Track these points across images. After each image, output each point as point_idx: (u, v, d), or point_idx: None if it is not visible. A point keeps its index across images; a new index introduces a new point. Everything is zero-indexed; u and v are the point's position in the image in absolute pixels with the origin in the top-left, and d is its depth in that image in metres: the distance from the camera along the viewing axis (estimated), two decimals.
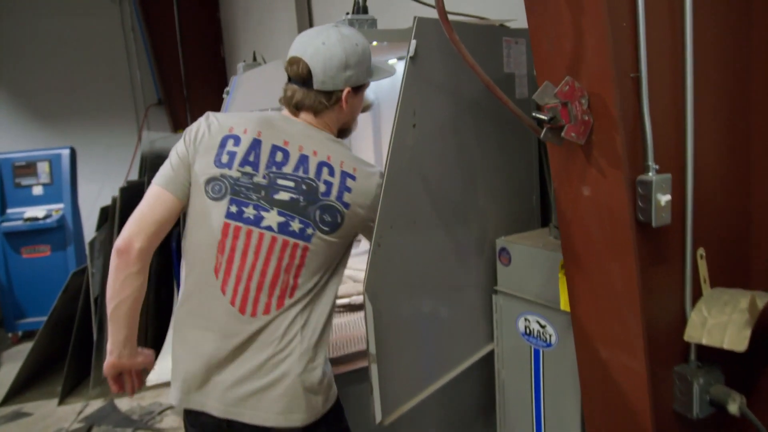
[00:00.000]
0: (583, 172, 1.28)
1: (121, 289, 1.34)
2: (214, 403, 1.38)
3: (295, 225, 1.38)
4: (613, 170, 1.22)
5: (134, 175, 5.78)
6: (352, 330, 2.04)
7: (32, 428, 3.49)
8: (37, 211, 4.75)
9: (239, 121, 1.43)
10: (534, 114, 1.23)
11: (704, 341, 1.24)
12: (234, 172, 1.37)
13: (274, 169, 1.39)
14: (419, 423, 1.83)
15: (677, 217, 1.26)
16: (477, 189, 1.79)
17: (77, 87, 6.44)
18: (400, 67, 1.64)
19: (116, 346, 1.40)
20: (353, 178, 1.42)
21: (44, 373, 4.10)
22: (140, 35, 6.65)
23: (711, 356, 1.32)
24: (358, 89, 1.48)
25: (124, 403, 3.68)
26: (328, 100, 1.43)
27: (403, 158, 1.54)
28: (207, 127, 1.42)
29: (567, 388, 1.63)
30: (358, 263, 2.52)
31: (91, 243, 3.77)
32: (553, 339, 1.66)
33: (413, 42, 1.52)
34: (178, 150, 1.41)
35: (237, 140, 1.39)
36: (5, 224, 4.69)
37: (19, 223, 4.68)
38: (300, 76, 1.41)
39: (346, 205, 1.41)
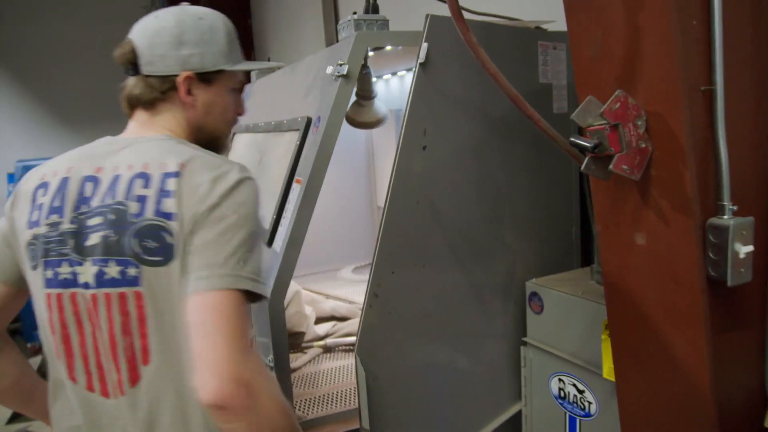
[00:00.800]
0: (637, 215, 1.12)
1: None
2: None
3: (112, 270, 1.06)
4: (679, 215, 1.04)
5: None
6: (337, 379, 1.84)
7: None
8: None
9: (55, 163, 1.19)
10: (573, 139, 1.06)
11: None
12: (42, 228, 1.12)
13: (83, 208, 1.10)
14: None
15: (759, 272, 1.09)
16: (503, 222, 1.65)
17: (104, 94, 6.50)
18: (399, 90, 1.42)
19: (45, 421, 1.26)
20: (176, 175, 1.06)
21: None
22: None
23: None
24: (210, 79, 1.18)
25: None
26: (161, 87, 1.15)
27: (410, 187, 1.43)
28: (20, 186, 1.20)
29: None
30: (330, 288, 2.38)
31: None
32: (593, 409, 1.49)
33: (424, 45, 1.38)
34: None
35: (46, 188, 1.15)
36: None
37: None
38: (125, 58, 1.16)
39: (168, 216, 1.04)
